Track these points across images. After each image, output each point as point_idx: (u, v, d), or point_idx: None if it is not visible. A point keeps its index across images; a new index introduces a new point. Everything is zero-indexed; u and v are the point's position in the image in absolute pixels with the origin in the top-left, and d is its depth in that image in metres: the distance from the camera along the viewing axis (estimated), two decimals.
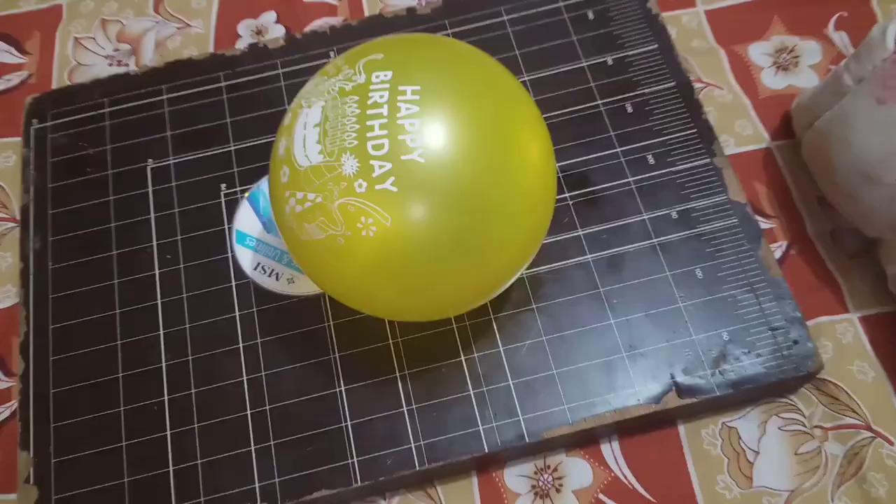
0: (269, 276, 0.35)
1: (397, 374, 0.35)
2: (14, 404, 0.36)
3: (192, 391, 0.35)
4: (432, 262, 0.18)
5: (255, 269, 0.36)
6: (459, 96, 0.17)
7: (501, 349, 0.35)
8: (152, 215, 0.39)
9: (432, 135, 0.16)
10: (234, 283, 0.37)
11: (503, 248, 0.19)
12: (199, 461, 0.34)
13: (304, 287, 0.35)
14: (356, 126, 0.16)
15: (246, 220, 0.38)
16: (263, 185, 0.38)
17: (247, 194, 0.38)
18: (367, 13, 0.47)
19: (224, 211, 0.39)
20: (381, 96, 0.16)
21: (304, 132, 0.17)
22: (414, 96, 0.16)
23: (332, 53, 0.43)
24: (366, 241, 0.16)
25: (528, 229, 0.19)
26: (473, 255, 0.18)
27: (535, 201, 0.19)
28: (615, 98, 0.40)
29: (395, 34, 0.26)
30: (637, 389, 0.33)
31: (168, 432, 0.34)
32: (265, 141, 0.41)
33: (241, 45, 0.45)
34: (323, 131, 0.17)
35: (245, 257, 0.36)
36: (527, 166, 0.19)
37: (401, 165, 0.16)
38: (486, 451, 0.33)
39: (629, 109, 0.40)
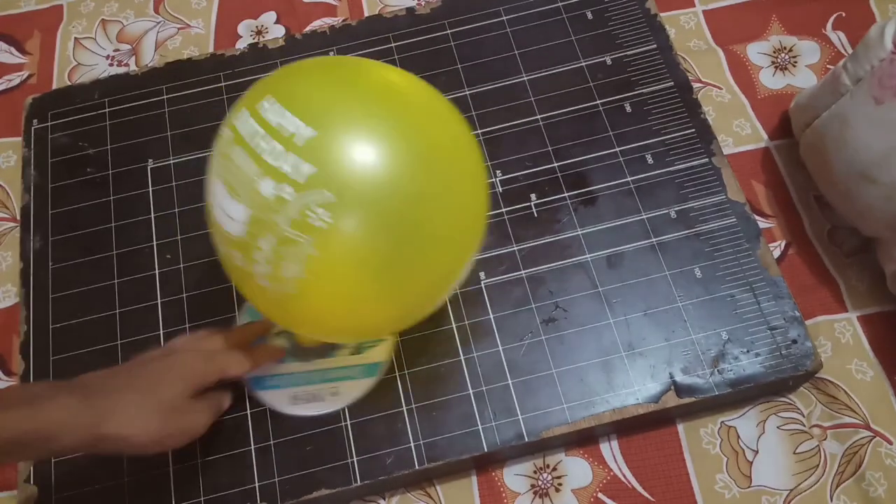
0: (311, 402, 0.33)
1: (396, 374, 0.35)
2: None
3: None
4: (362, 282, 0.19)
5: (295, 403, 0.34)
6: (305, 84, 0.19)
7: (500, 349, 0.35)
8: (152, 215, 0.39)
9: (307, 111, 0.17)
10: (233, 283, 0.37)
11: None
12: (198, 460, 0.34)
13: (350, 392, 0.33)
14: (251, 161, 0.17)
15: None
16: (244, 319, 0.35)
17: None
18: (366, 13, 0.47)
19: None
20: (245, 122, 0.18)
21: (222, 210, 0.18)
22: (272, 104, 0.17)
23: (331, 53, 0.43)
24: (328, 232, 0.17)
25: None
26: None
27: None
28: (614, 98, 0.40)
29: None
30: (636, 389, 0.34)
31: None
32: None
33: (241, 45, 0.45)
34: (231, 189, 0.17)
35: (275, 398, 0.34)
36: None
37: (306, 149, 0.17)
38: (486, 450, 0.33)
39: (628, 109, 0.40)
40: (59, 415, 0.26)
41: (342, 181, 0.18)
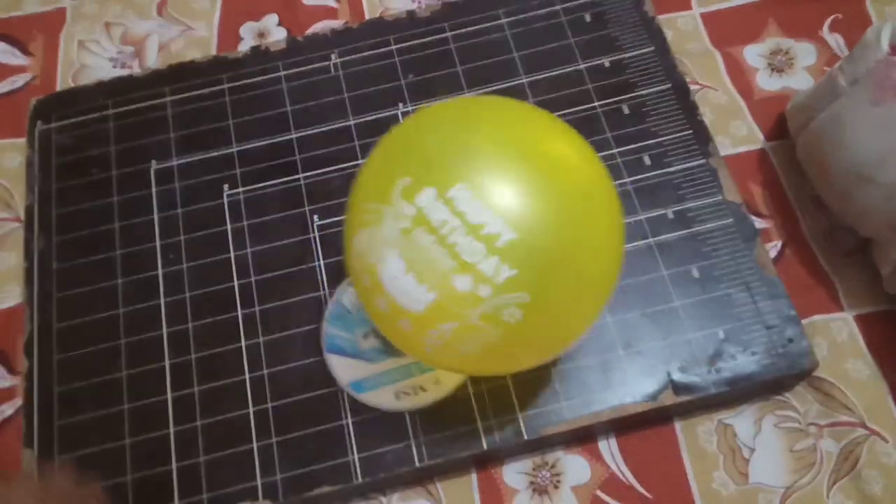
0: (417, 394, 0.33)
1: None
2: (18, 402, 0.37)
3: (195, 389, 0.35)
4: (559, 313, 0.20)
5: (399, 398, 0.34)
6: (502, 169, 0.18)
7: None
8: (155, 216, 0.39)
9: (504, 213, 0.17)
10: (236, 283, 0.37)
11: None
12: (201, 458, 0.34)
13: (451, 380, 0.33)
14: (443, 253, 0.17)
15: (345, 370, 0.34)
16: (329, 329, 0.35)
17: (324, 349, 0.35)
18: (367, 16, 0.47)
19: (226, 211, 0.39)
20: (441, 216, 0.17)
21: (398, 284, 0.18)
22: (467, 200, 0.17)
23: (332, 56, 0.43)
24: (516, 326, 0.18)
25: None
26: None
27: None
28: (612, 100, 0.41)
29: (409, 127, 0.23)
30: (634, 387, 0.34)
31: (171, 429, 0.34)
32: (267, 143, 0.41)
33: (244, 47, 0.46)
34: (416, 273, 0.18)
35: (380, 398, 0.34)
36: (593, 195, 0.22)
37: (502, 251, 0.17)
38: (485, 448, 0.33)
39: (626, 111, 0.40)
40: None
41: (539, 284, 0.18)
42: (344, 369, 0.34)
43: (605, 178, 0.22)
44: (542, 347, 0.22)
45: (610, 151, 0.39)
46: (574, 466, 0.34)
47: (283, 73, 0.43)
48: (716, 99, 0.43)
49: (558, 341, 0.22)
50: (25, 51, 0.47)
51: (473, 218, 0.17)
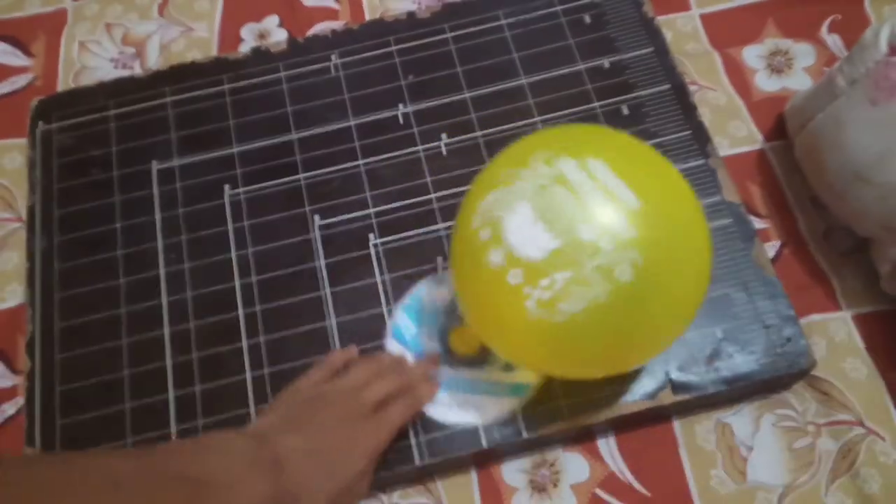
0: (451, 409, 0.33)
1: None
2: (20, 401, 0.37)
3: (197, 388, 0.35)
4: (662, 287, 0.22)
5: (436, 406, 0.33)
6: (631, 160, 0.21)
7: None
8: (157, 216, 0.39)
9: (639, 188, 0.20)
10: (237, 283, 0.38)
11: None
12: None
13: (493, 410, 0.33)
14: (575, 203, 0.19)
15: None
16: (400, 318, 0.35)
17: (389, 333, 0.35)
18: (367, 17, 0.47)
19: (227, 211, 0.39)
20: (579, 178, 0.19)
21: (523, 231, 0.20)
22: (605, 170, 0.20)
23: (333, 57, 0.43)
24: (625, 285, 0.19)
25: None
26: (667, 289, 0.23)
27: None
28: (611, 100, 0.41)
29: (546, 131, 0.27)
30: (632, 386, 0.34)
31: (172, 428, 0.35)
32: (268, 143, 0.41)
33: (245, 48, 0.46)
34: (545, 220, 0.19)
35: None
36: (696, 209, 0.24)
37: (631, 216, 0.19)
38: (485, 446, 0.33)
39: (625, 111, 0.41)
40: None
41: (651, 250, 0.20)
42: None
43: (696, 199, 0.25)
44: (642, 325, 0.22)
45: None
46: (573, 465, 0.34)
47: (283, 73, 0.43)
48: (715, 99, 0.43)
49: (657, 327, 0.22)
50: (27, 51, 0.47)
51: (608, 183, 0.20)
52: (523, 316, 0.21)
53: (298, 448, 0.29)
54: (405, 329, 0.35)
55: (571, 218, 0.19)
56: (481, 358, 0.34)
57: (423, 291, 0.36)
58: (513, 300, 0.21)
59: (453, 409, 0.33)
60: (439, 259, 0.35)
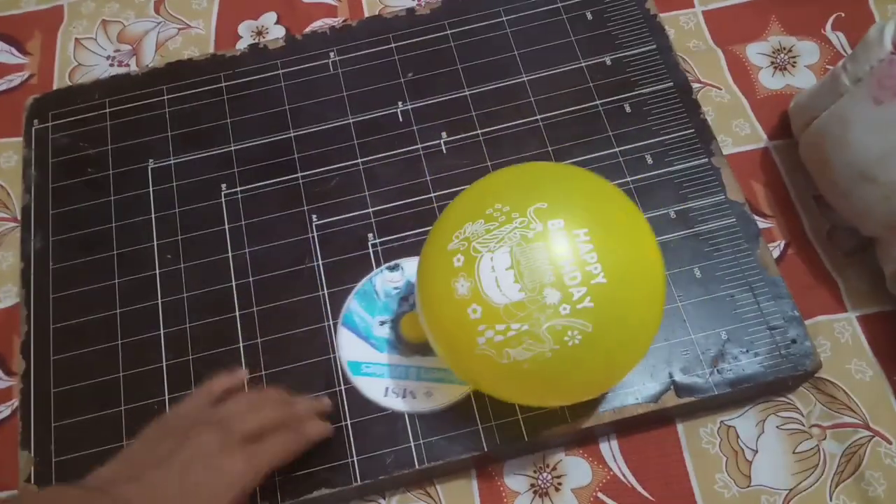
0: (405, 397, 0.33)
1: None
2: (15, 403, 0.36)
3: (193, 390, 0.35)
4: (608, 353, 0.23)
5: (387, 395, 0.34)
6: (610, 231, 0.23)
7: None
8: (153, 215, 0.39)
9: (606, 262, 0.22)
10: (234, 283, 0.37)
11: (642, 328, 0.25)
12: None
13: (444, 397, 0.33)
14: (549, 266, 0.21)
15: (350, 348, 0.35)
16: (352, 305, 0.35)
17: (338, 320, 0.35)
18: (366, 14, 0.47)
19: (224, 210, 0.39)
20: (562, 243, 0.21)
21: (495, 274, 0.21)
22: (585, 237, 0.22)
23: (331, 54, 0.43)
24: (571, 350, 0.21)
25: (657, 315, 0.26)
26: (625, 345, 0.24)
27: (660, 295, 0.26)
28: (613, 98, 0.41)
29: (540, 168, 0.27)
30: (635, 388, 0.34)
31: None
32: (265, 141, 0.41)
33: (242, 45, 0.46)
34: (518, 273, 0.21)
35: (370, 387, 0.34)
36: (656, 270, 0.25)
37: (593, 290, 0.21)
38: (486, 449, 0.33)
39: (627, 109, 0.40)
40: None
41: (604, 323, 0.22)
42: (350, 346, 0.35)
43: (655, 243, 0.26)
44: (579, 382, 0.23)
45: (611, 150, 0.39)
46: (575, 468, 0.34)
47: (281, 71, 0.43)
48: (718, 97, 0.42)
49: (592, 383, 0.24)
50: (23, 49, 0.47)
51: (585, 256, 0.21)
52: (473, 348, 0.22)
53: (143, 495, 0.27)
54: (356, 315, 0.35)
55: (542, 278, 0.21)
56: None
57: (377, 277, 0.36)
58: (467, 331, 0.22)
59: (405, 396, 0.33)
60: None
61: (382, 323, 0.35)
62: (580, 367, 0.22)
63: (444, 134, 0.40)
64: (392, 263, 0.35)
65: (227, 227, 0.38)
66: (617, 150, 0.39)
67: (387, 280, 0.35)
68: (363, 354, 0.35)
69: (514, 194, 0.23)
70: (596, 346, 0.21)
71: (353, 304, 0.35)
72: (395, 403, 0.33)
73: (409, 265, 0.36)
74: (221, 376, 0.33)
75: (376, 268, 0.37)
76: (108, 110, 0.42)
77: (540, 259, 0.21)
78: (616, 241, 0.22)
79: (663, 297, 0.25)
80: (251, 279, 0.37)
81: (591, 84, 0.41)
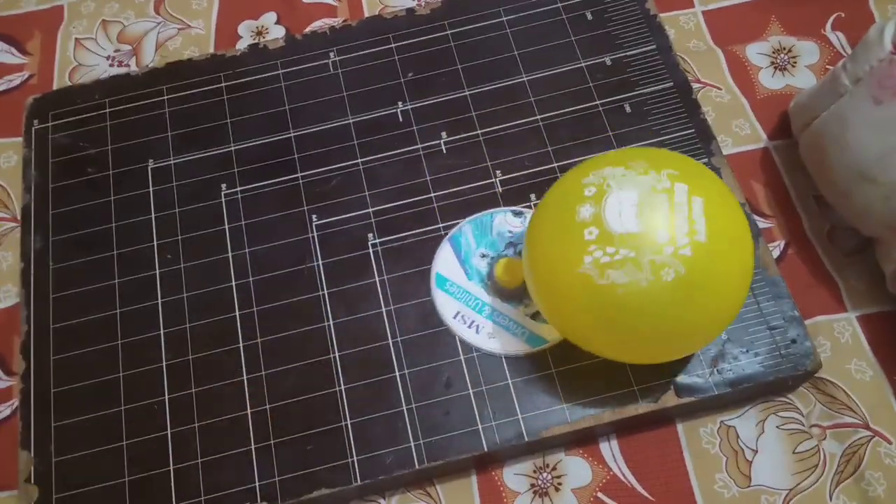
0: (470, 327, 0.34)
1: (397, 374, 0.35)
2: (15, 403, 0.36)
3: (193, 390, 0.35)
4: (694, 300, 0.25)
5: (455, 317, 0.35)
6: (719, 207, 0.26)
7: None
8: (153, 215, 0.39)
9: (710, 228, 0.25)
10: (234, 283, 0.37)
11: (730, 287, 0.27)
12: (199, 460, 0.34)
13: (502, 344, 0.34)
14: (667, 214, 0.24)
15: (446, 264, 0.36)
16: (465, 227, 0.36)
17: (448, 235, 0.36)
18: (366, 14, 0.47)
19: (224, 210, 0.39)
20: (682, 200, 0.25)
21: (620, 207, 0.24)
22: (700, 206, 0.25)
23: (331, 54, 0.43)
24: (663, 285, 0.24)
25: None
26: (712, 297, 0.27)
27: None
28: (613, 98, 0.41)
29: (673, 153, 0.30)
30: (635, 388, 0.34)
31: (168, 431, 0.34)
32: (265, 141, 0.41)
33: (242, 45, 0.46)
34: (640, 210, 0.24)
35: (445, 303, 0.35)
36: (745, 250, 0.28)
37: (693, 243, 0.24)
38: (486, 449, 0.33)
39: (627, 109, 0.40)
40: None
41: (696, 270, 0.25)
42: (446, 261, 0.36)
43: (749, 234, 0.29)
44: (663, 325, 0.25)
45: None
46: (575, 468, 0.34)
47: (281, 71, 0.43)
48: (718, 97, 0.42)
49: (674, 332, 0.26)
50: (23, 49, 0.47)
51: (695, 216, 0.25)
52: (578, 266, 0.25)
53: None
54: (464, 237, 0.36)
55: (658, 222, 0.24)
56: (518, 295, 0.35)
57: (499, 215, 0.37)
58: (578, 249, 0.25)
59: (471, 327, 0.34)
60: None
61: (483, 256, 0.36)
62: (668, 305, 0.24)
63: (444, 134, 0.40)
64: (517, 209, 0.36)
65: (227, 227, 0.38)
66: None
67: (506, 221, 0.36)
68: (454, 274, 0.36)
69: (653, 158, 0.27)
70: (685, 288, 0.24)
71: (465, 227, 0.36)
72: (460, 328, 0.34)
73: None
74: None
75: (377, 270, 0.37)
76: (108, 110, 0.42)
77: (662, 207, 0.24)
78: (721, 216, 0.25)
79: (749, 274, 0.27)
80: (251, 279, 0.37)
81: (591, 84, 0.41)
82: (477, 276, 0.36)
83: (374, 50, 0.43)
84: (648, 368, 0.34)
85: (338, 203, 0.39)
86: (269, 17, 0.47)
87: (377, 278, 0.37)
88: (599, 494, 0.33)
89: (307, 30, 0.46)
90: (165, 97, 0.42)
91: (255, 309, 0.36)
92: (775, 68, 0.43)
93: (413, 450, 0.33)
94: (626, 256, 0.24)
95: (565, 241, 0.25)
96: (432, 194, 0.39)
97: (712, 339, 0.27)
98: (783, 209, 0.39)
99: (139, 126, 0.42)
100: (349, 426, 0.34)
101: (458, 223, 0.36)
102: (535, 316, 0.35)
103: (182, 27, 0.47)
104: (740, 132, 0.41)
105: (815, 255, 0.38)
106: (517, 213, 0.36)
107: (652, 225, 0.24)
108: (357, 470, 0.33)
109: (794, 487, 0.33)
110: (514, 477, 0.34)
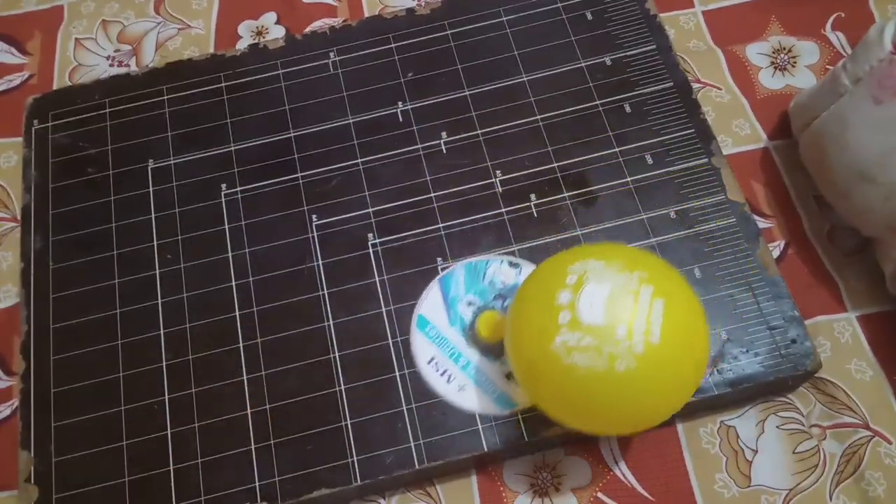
0: (442, 375, 0.34)
1: (397, 374, 0.35)
2: (14, 403, 0.36)
3: (193, 390, 0.35)
4: (641, 391, 0.27)
5: (430, 362, 0.34)
6: (679, 311, 0.28)
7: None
8: (153, 215, 0.39)
9: (665, 331, 0.27)
10: (234, 283, 0.37)
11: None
12: (199, 460, 0.34)
13: (470, 400, 0.33)
14: (630, 312, 0.27)
15: (431, 306, 0.35)
16: (458, 270, 0.35)
17: (439, 276, 0.35)
18: (366, 14, 0.47)
19: (224, 210, 0.39)
20: (645, 301, 0.27)
21: (592, 299, 0.27)
22: (660, 309, 0.27)
23: (331, 54, 0.43)
24: (616, 374, 0.26)
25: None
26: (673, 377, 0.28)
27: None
28: (613, 98, 0.41)
29: (638, 249, 0.32)
30: None
31: (168, 431, 0.34)
32: (265, 141, 0.41)
33: (242, 45, 0.46)
34: (608, 305, 0.27)
35: (422, 346, 0.34)
36: (699, 355, 0.29)
37: (646, 343, 0.26)
38: (486, 449, 0.33)
39: (627, 109, 0.40)
40: None
41: (646, 367, 0.27)
42: (431, 302, 0.35)
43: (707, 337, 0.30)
44: (614, 406, 0.28)
45: (611, 150, 0.39)
46: (575, 468, 0.34)
47: (281, 71, 0.43)
48: (718, 97, 0.42)
49: (625, 413, 0.28)
50: (22, 50, 0.47)
51: (653, 318, 0.27)
52: (550, 343, 0.27)
53: None
54: (454, 280, 0.35)
55: (620, 317, 0.26)
56: (496, 351, 0.34)
57: (494, 264, 0.36)
58: (551, 328, 0.27)
59: (442, 376, 0.34)
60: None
61: (470, 304, 0.35)
62: (621, 391, 0.27)
63: (444, 134, 0.40)
64: (514, 260, 0.35)
65: (227, 227, 0.38)
66: (617, 150, 0.39)
67: (501, 271, 0.36)
68: (437, 317, 0.35)
69: (631, 257, 0.29)
70: (635, 379, 0.26)
71: (458, 270, 0.35)
72: (431, 375, 0.34)
73: (528, 269, 0.36)
74: None
75: (376, 270, 0.37)
76: (108, 110, 0.42)
77: (627, 305, 0.27)
78: (678, 320, 0.27)
79: (701, 368, 0.29)
80: (251, 279, 0.37)
81: (591, 84, 0.41)
82: (459, 324, 0.35)
83: (374, 50, 0.43)
84: None
85: (338, 203, 0.39)
86: (269, 17, 0.47)
87: (377, 278, 0.37)
88: (599, 494, 0.33)
89: (307, 30, 0.46)
90: (165, 97, 0.42)
91: (255, 309, 0.36)
92: (775, 68, 0.43)
93: (413, 450, 0.33)
94: (590, 344, 0.26)
95: (544, 318, 0.28)
96: (432, 194, 0.39)
97: (665, 418, 0.29)
98: (783, 209, 0.39)
99: (139, 126, 0.42)
100: (349, 426, 0.34)
101: (450, 266, 0.35)
102: (510, 376, 0.34)
103: (182, 27, 0.47)
104: (740, 132, 0.41)
105: (815, 255, 0.38)
106: (513, 265, 0.35)
107: (614, 320, 0.26)
108: (357, 470, 0.33)
109: (794, 487, 0.33)
110: (514, 477, 0.34)
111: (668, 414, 0.30)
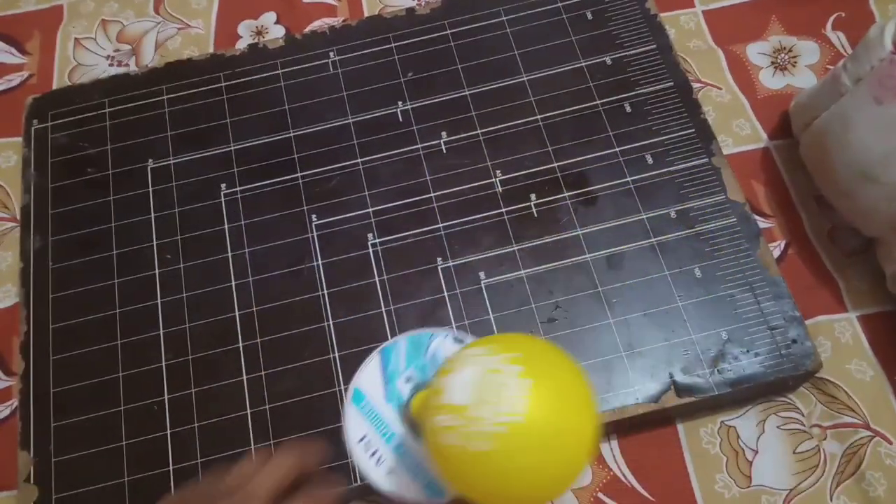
0: (372, 456, 0.31)
1: None
2: (14, 403, 0.36)
3: (192, 390, 0.35)
4: (497, 474, 0.27)
5: (361, 441, 0.32)
6: (550, 396, 0.28)
7: None
8: (152, 215, 0.39)
9: (531, 412, 0.27)
10: (234, 283, 0.37)
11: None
12: (198, 460, 0.34)
13: (392, 482, 0.31)
14: (493, 393, 0.27)
15: (369, 379, 0.33)
16: (401, 342, 0.34)
17: (380, 347, 0.33)
18: (366, 13, 0.47)
19: (224, 210, 0.39)
20: (512, 382, 0.27)
21: (462, 382, 0.27)
22: (527, 390, 0.27)
23: (331, 53, 0.43)
24: (475, 454, 0.27)
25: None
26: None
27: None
28: (614, 98, 0.40)
29: (527, 336, 0.33)
30: (636, 389, 0.34)
31: (168, 431, 0.34)
32: (265, 141, 0.41)
33: (241, 45, 0.45)
34: (474, 386, 0.27)
35: (355, 423, 0.32)
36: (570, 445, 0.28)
37: (510, 423, 0.26)
38: None
39: (628, 109, 0.40)
40: None
41: (505, 449, 0.27)
42: (370, 376, 0.33)
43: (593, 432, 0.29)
44: (476, 485, 0.28)
45: (611, 150, 0.39)
46: None
47: (281, 70, 0.43)
48: (718, 97, 0.42)
49: (498, 492, 0.28)
50: (22, 49, 0.47)
51: (519, 400, 0.27)
52: (429, 425, 0.28)
53: None
54: (395, 355, 0.34)
55: (483, 397, 0.27)
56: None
57: (438, 338, 0.34)
58: (433, 409, 0.28)
59: (372, 457, 0.31)
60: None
61: (409, 380, 0.33)
62: (486, 469, 0.27)
63: (444, 134, 0.40)
64: (458, 335, 0.33)
65: (226, 226, 0.38)
66: (617, 149, 0.39)
67: (444, 346, 0.34)
68: (373, 392, 0.33)
69: (508, 343, 0.30)
70: (491, 463, 0.27)
71: (401, 342, 0.34)
72: (360, 456, 0.31)
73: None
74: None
75: (376, 270, 0.36)
76: (107, 110, 0.42)
77: (492, 386, 0.27)
78: (551, 403, 0.27)
79: (586, 449, 0.28)
80: (251, 279, 0.37)
81: (591, 84, 0.41)
82: (396, 401, 0.33)
83: (373, 50, 0.43)
84: (648, 369, 0.34)
85: (338, 203, 0.39)
86: (269, 17, 0.47)
87: (377, 278, 0.37)
88: (599, 494, 0.33)
89: (307, 29, 0.46)
90: (165, 97, 0.42)
91: (254, 309, 0.36)
92: (776, 68, 0.43)
93: None
94: (454, 424, 0.27)
95: (431, 401, 0.28)
96: (432, 194, 0.39)
97: (553, 496, 0.30)
98: (784, 209, 0.39)
99: (139, 126, 0.41)
100: None
101: (395, 340, 0.33)
102: None
103: (182, 27, 0.47)
104: (741, 132, 0.41)
105: (816, 255, 0.38)
106: (458, 340, 0.33)
107: (476, 400, 0.27)
108: (357, 470, 0.33)
109: (794, 487, 0.33)
110: None
111: (555, 491, 0.29)
